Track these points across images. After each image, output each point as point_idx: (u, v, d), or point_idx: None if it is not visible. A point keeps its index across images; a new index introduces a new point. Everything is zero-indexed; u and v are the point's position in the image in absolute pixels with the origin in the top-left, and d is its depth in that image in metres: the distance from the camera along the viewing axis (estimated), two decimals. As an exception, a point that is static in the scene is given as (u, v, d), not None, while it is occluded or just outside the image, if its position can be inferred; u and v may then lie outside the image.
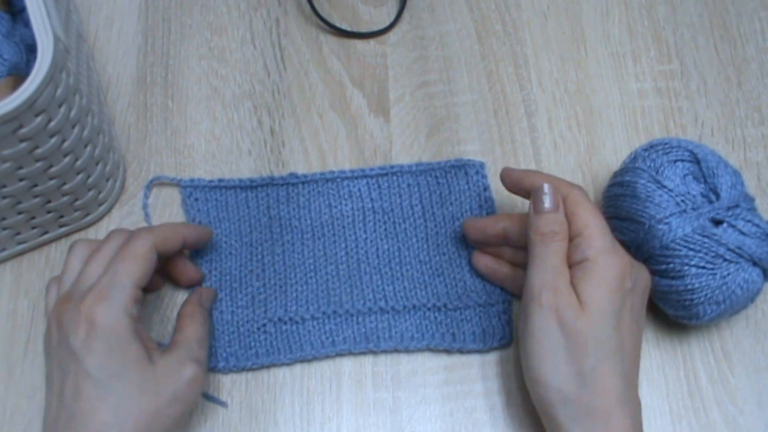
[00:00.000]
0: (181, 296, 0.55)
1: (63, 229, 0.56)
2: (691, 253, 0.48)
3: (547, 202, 0.47)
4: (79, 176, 0.52)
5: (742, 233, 0.48)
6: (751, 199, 0.51)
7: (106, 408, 0.43)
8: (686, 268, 0.48)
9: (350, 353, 0.54)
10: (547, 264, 0.46)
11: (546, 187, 0.48)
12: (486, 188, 0.58)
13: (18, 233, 0.54)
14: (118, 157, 0.58)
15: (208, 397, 0.52)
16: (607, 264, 0.46)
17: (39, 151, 0.47)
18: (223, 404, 0.52)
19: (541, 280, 0.46)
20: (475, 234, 0.55)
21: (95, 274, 0.47)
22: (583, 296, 0.45)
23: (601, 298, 0.45)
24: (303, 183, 0.58)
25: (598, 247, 0.46)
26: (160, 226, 0.51)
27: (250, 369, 0.53)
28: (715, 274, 0.48)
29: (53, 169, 0.50)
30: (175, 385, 0.45)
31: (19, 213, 0.52)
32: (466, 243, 0.56)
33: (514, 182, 0.51)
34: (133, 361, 0.44)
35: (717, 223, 0.49)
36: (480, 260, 0.55)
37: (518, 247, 0.53)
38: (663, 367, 0.53)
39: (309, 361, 0.54)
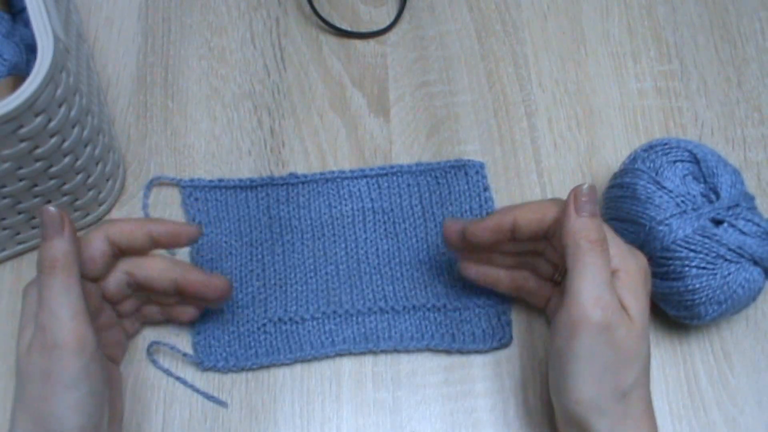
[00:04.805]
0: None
1: (63, 229, 0.56)
2: (692, 254, 0.48)
3: (592, 206, 0.44)
4: (79, 176, 0.52)
5: (743, 233, 0.48)
6: (752, 198, 0.51)
7: (14, 402, 0.44)
8: (687, 269, 0.48)
9: (350, 353, 0.53)
10: (598, 277, 0.43)
11: (587, 187, 0.44)
12: (486, 188, 0.58)
13: (18, 233, 0.54)
14: (118, 157, 0.58)
15: (208, 397, 0.52)
16: (633, 269, 0.44)
17: (39, 151, 0.47)
18: (223, 404, 0.52)
19: (594, 297, 0.42)
20: (484, 234, 0.48)
21: None
22: (630, 311, 0.43)
23: (643, 309, 0.44)
24: (303, 183, 0.58)
25: (619, 255, 0.44)
26: (122, 219, 0.52)
27: (250, 369, 0.53)
28: (716, 274, 0.48)
29: (53, 169, 0.50)
30: (37, 361, 0.42)
31: (19, 213, 0.52)
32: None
33: (495, 228, 0.47)
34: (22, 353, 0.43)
35: (717, 223, 0.49)
36: (470, 268, 0.52)
37: (507, 254, 0.51)
38: (663, 367, 0.53)
39: (309, 361, 0.53)
